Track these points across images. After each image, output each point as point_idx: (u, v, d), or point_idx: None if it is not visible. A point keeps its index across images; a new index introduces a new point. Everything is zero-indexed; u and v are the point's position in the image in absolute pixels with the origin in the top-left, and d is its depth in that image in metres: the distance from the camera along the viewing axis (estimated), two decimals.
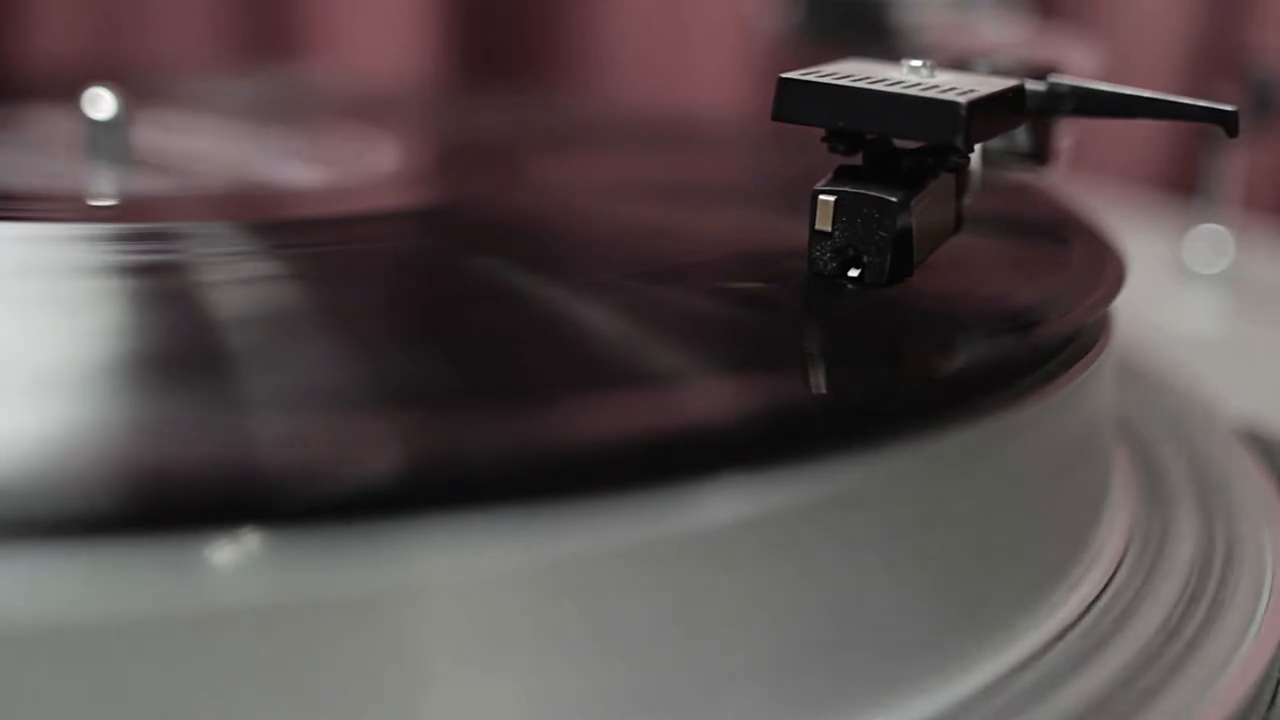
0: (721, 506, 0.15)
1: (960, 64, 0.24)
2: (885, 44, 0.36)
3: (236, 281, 0.22)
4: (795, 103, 0.21)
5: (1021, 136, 0.25)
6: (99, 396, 0.16)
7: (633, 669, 0.15)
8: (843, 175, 0.21)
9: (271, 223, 0.27)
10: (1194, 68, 0.64)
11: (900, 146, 0.21)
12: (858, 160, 0.21)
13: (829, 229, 0.21)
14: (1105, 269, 0.24)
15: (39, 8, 0.60)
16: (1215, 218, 0.44)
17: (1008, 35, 0.37)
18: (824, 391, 0.18)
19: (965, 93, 0.20)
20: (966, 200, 0.23)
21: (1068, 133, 0.26)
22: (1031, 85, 0.22)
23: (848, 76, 0.21)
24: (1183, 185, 0.58)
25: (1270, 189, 0.61)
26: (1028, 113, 0.22)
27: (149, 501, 0.13)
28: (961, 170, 0.22)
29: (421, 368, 0.18)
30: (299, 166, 0.34)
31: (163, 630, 0.13)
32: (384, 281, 0.23)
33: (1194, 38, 0.65)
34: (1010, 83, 0.22)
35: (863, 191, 0.21)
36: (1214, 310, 0.43)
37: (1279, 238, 0.49)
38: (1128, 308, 0.24)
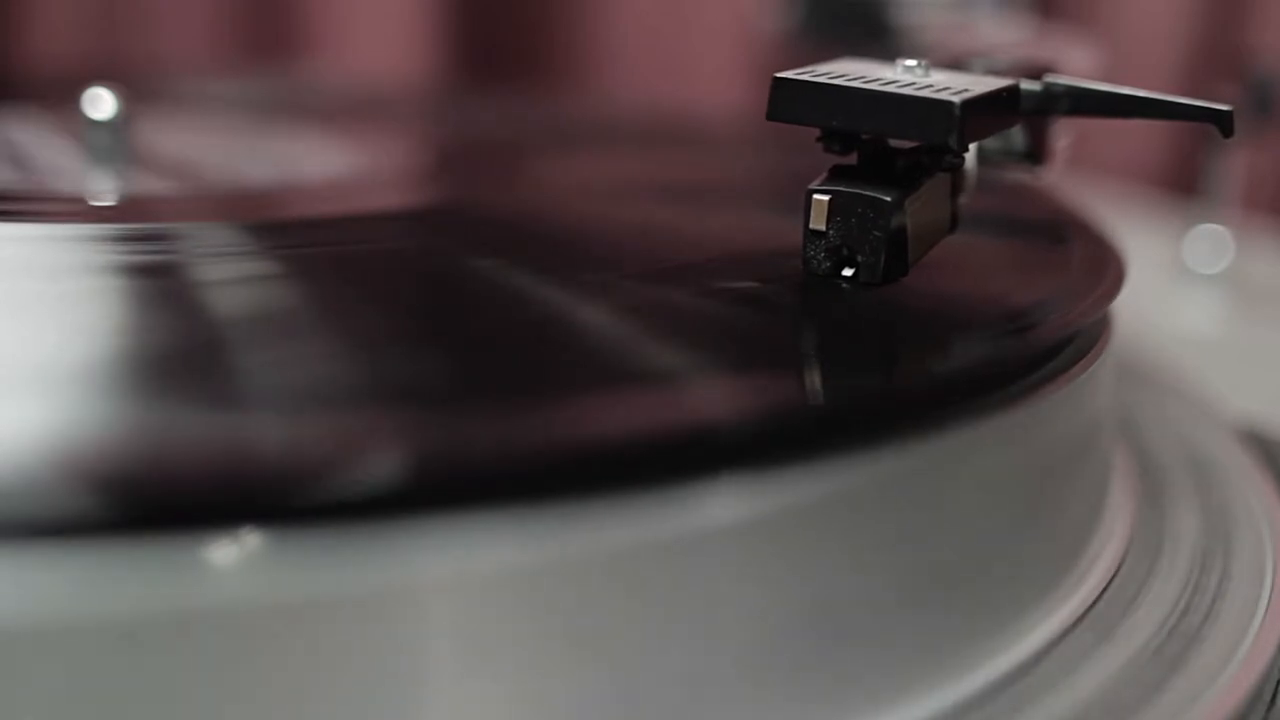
0: (719, 507, 0.15)
1: (956, 64, 0.24)
2: (885, 44, 0.36)
3: (236, 281, 0.22)
4: (790, 102, 0.21)
5: (1018, 136, 0.25)
6: (99, 396, 0.16)
7: (632, 669, 0.15)
8: (837, 175, 0.21)
9: (271, 223, 0.27)
10: (1194, 68, 0.64)
11: (895, 146, 0.21)
12: (853, 160, 0.21)
13: (824, 228, 0.21)
14: (1105, 269, 0.23)
15: (39, 8, 0.60)
16: (1215, 218, 0.44)
17: (1007, 35, 0.37)
18: (820, 392, 0.18)
19: (959, 92, 0.20)
20: (962, 200, 0.23)
21: (1064, 133, 0.26)
22: (1026, 85, 0.22)
23: (842, 76, 0.21)
24: (1183, 185, 0.58)
25: (1270, 189, 0.61)
26: (1023, 112, 0.22)
27: (148, 501, 0.13)
28: (956, 170, 0.22)
29: (421, 368, 0.18)
30: (299, 166, 0.34)
31: (160, 630, 0.13)
32: (384, 281, 0.23)
33: (1194, 38, 0.65)
34: (1005, 82, 0.22)
35: (857, 191, 0.21)
36: (1214, 310, 0.43)
37: (1279, 238, 0.49)
38: (1128, 308, 0.24)
